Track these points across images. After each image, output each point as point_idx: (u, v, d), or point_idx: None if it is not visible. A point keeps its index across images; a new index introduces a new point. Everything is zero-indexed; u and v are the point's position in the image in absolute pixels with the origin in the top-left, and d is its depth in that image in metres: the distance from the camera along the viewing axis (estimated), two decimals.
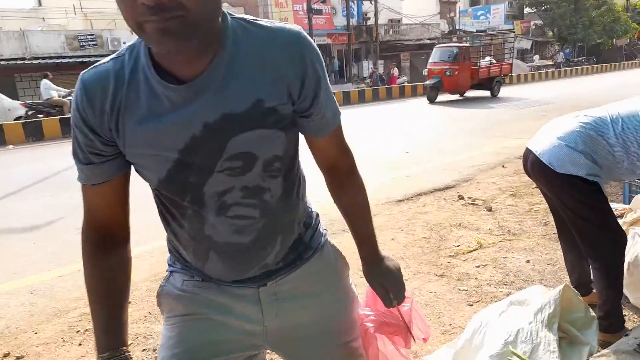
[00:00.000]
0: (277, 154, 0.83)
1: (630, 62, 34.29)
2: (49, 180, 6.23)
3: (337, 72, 25.83)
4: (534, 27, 37.83)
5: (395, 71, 22.67)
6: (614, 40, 36.07)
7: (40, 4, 31.35)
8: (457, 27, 29.47)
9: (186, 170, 0.80)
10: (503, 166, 5.52)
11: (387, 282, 1.03)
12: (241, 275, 0.91)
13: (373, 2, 23.25)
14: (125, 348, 0.88)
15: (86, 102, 0.77)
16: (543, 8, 35.59)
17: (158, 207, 0.91)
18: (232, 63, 0.76)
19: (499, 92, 16.01)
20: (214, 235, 0.86)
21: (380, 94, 17.56)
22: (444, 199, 4.42)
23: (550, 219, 3.65)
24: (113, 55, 0.80)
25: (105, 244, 0.88)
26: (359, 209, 1.03)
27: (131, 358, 0.88)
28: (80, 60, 15.39)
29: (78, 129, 0.79)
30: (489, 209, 4.00)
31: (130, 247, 0.92)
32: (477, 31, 33.86)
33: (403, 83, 23.16)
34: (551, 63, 31.00)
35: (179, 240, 0.92)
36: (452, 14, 29.68)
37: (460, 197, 4.37)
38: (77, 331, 2.41)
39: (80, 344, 2.30)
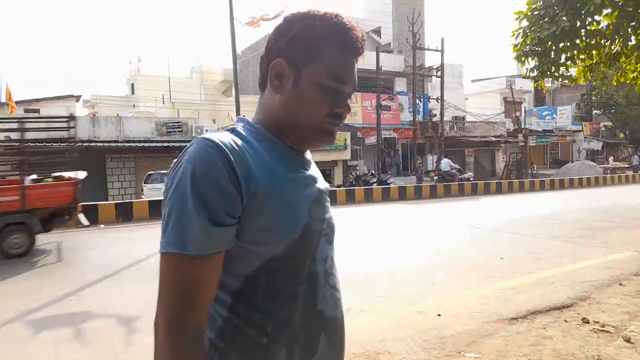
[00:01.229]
0: None
1: None
2: (143, 264, 6.35)
3: (398, 164, 26.10)
4: (603, 128, 37.04)
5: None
6: None
7: (132, 92, 35.20)
8: (522, 126, 29.32)
9: (311, 229, 0.85)
10: (620, 284, 4.95)
11: None
12: None
13: (439, 101, 23.85)
14: None
15: (234, 157, 0.78)
16: (612, 110, 34.98)
17: (257, 302, 0.81)
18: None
19: (29, 250, 6.92)
20: (325, 308, 0.87)
21: (439, 190, 17.27)
22: (565, 320, 3.94)
23: None
24: (225, 133, 0.85)
25: (199, 333, 0.77)
26: None
27: None
28: (165, 145, 16.56)
29: (215, 185, 0.76)
30: (627, 340, 3.47)
31: None
32: (544, 130, 33.57)
33: (468, 179, 22.79)
34: (627, 165, 29.65)
35: (284, 334, 0.82)
36: (517, 113, 29.75)
37: (586, 321, 3.87)
38: None
39: None
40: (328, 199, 0.97)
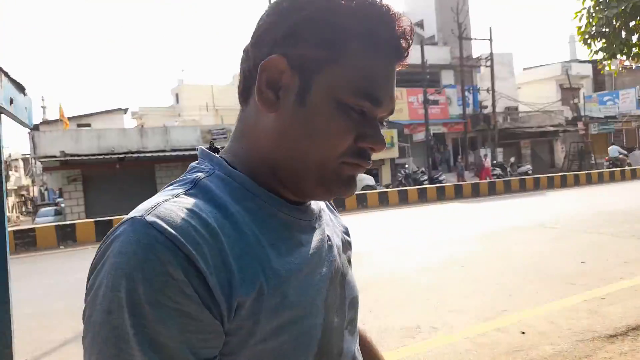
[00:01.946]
0: None
1: None
2: None
3: (449, 160, 25.14)
4: None
5: (488, 162, 20.33)
6: None
7: (177, 102, 36.18)
8: (582, 114, 27.49)
9: (330, 339, 0.56)
10: None
11: None
12: None
13: (490, 92, 22.79)
14: None
15: (200, 256, 0.45)
16: None
17: None
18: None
19: None
20: None
21: (498, 186, 16.31)
22: None
23: None
24: (180, 200, 0.49)
25: None
26: None
27: None
28: None
29: (175, 316, 0.43)
30: None
31: None
32: (606, 117, 31.40)
33: (527, 172, 21.64)
34: None
35: None
36: (575, 100, 27.92)
37: None
38: None
39: None
40: (349, 252, 0.68)
